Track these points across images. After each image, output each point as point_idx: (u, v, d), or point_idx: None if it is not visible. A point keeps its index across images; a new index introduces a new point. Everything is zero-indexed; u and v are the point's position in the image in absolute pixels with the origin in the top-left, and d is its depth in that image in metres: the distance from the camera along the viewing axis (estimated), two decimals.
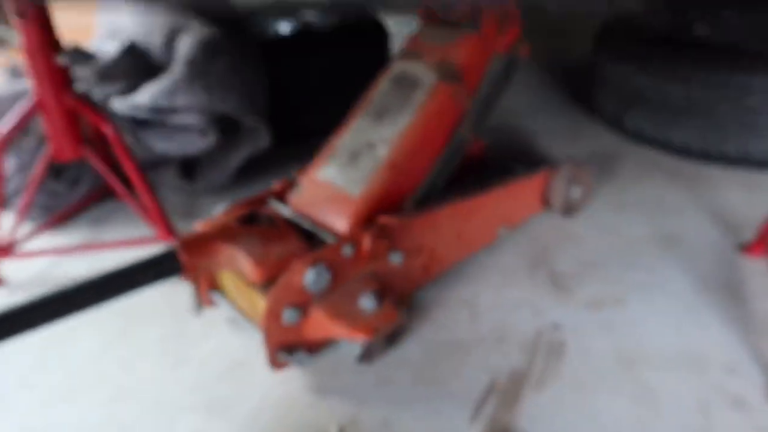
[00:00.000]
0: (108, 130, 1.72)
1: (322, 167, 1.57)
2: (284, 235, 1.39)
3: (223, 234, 1.34)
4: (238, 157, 2.17)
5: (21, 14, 1.58)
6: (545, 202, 1.95)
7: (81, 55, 2.18)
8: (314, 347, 1.33)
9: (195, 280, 1.40)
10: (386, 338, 1.38)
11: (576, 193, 1.96)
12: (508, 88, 1.83)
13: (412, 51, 1.74)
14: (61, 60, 1.66)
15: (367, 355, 1.33)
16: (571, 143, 2.59)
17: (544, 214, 2.00)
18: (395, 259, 1.44)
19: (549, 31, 4.49)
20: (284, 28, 3.08)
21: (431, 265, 1.61)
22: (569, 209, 1.98)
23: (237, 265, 1.31)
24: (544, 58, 3.94)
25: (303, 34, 2.78)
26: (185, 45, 2.04)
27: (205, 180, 2.20)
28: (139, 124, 2.02)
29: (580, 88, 3.21)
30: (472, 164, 2.00)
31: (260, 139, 2.18)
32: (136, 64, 2.14)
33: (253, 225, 1.47)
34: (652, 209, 2.02)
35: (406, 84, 1.64)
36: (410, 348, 1.44)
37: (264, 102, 2.23)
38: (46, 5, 1.62)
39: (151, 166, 2.14)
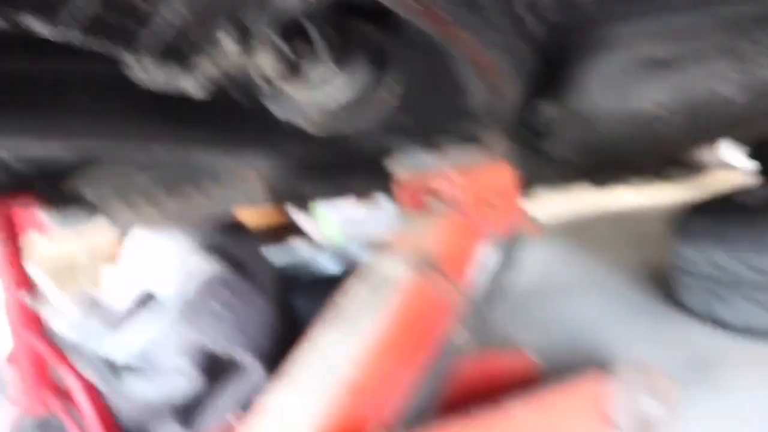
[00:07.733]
0: (75, 383, 1.55)
1: (274, 397, 1.24)
2: None
3: None
4: (231, 400, 1.89)
5: None
6: (608, 422, 1.41)
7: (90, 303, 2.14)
8: None
9: None
10: None
11: (652, 408, 1.41)
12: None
13: (385, 245, 1.48)
14: (29, 300, 1.60)
15: None
16: (657, 348, 2.04)
17: None
18: None
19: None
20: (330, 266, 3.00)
21: None
22: None
23: None
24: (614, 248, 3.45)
25: None
26: (184, 284, 1.96)
27: (202, 427, 1.90)
28: (119, 368, 1.86)
29: (664, 281, 2.68)
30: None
31: (256, 379, 1.92)
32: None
33: None
34: None
35: (375, 284, 1.35)
36: None
37: (265, 339, 2.02)
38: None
39: (140, 424, 1.89)
